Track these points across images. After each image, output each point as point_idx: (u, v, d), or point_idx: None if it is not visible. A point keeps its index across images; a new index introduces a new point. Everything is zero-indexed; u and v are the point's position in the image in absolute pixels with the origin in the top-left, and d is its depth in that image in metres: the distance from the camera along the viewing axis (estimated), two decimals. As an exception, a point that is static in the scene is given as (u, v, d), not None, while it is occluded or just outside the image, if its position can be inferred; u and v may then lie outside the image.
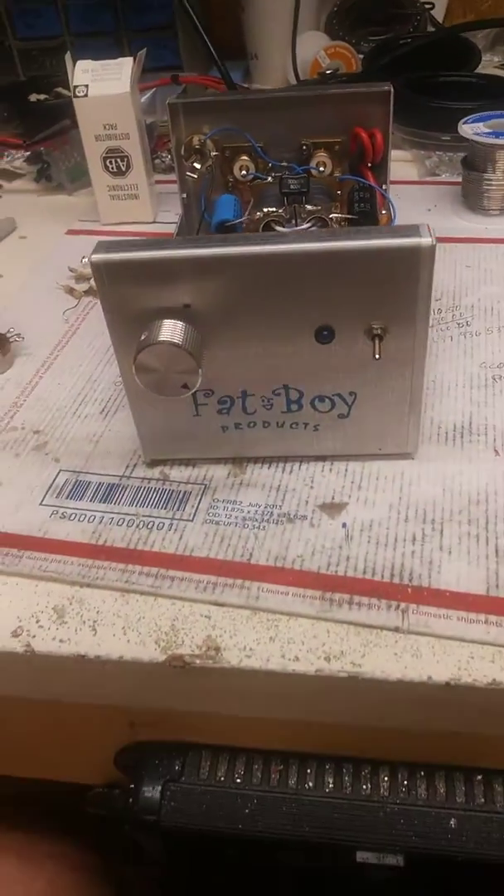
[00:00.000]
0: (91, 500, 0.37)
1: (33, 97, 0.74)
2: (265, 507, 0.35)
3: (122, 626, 0.32)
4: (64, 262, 0.55)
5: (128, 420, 0.41)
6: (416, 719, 0.30)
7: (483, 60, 0.74)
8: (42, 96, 0.74)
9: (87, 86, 0.53)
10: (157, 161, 0.67)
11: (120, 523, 0.35)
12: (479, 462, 0.36)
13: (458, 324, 0.44)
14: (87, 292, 0.52)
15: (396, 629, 0.30)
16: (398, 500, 0.35)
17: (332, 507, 0.35)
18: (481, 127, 0.51)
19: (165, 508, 0.36)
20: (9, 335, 0.46)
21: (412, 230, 0.29)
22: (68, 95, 0.72)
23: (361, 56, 0.77)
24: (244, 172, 0.48)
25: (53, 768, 0.41)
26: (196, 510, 0.36)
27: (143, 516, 0.36)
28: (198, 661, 0.30)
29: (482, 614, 0.30)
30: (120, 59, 0.54)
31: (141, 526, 0.35)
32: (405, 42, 0.70)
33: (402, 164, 0.64)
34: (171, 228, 0.58)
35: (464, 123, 0.52)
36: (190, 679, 0.31)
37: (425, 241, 0.29)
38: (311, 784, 0.32)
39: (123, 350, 0.33)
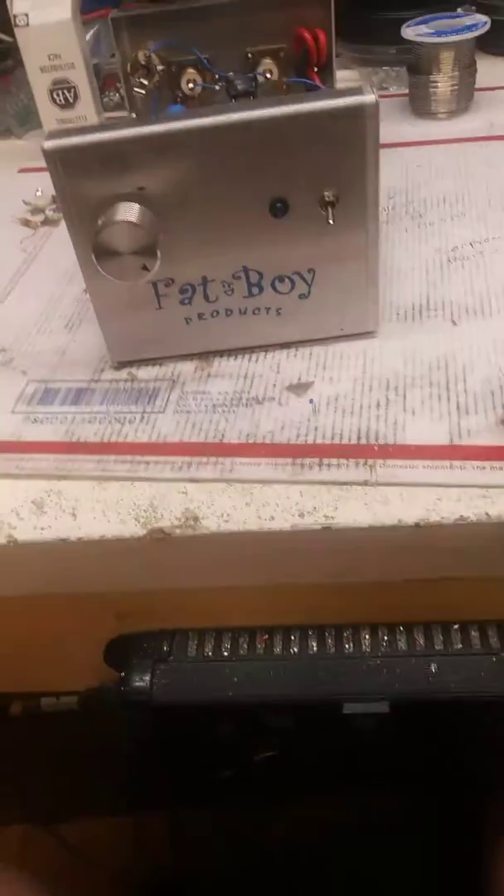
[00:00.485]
0: (62, 405, 0.37)
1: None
2: (234, 394, 0.36)
3: (101, 510, 0.32)
4: (17, 197, 0.54)
5: (94, 331, 0.41)
6: (390, 569, 0.31)
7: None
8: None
9: (27, 14, 0.53)
10: (105, 101, 0.66)
11: (91, 421, 0.36)
12: (438, 333, 0.37)
13: (412, 217, 0.45)
14: (45, 222, 0.52)
15: (365, 482, 0.31)
16: (362, 374, 0.36)
17: (299, 387, 0.36)
18: (424, 29, 0.51)
19: (136, 404, 0.36)
20: (-32, 263, 0.46)
21: (355, 90, 0.30)
22: (8, 40, 0.71)
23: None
24: (191, 86, 0.48)
25: (44, 680, 0.42)
26: (166, 403, 0.36)
27: (115, 413, 0.36)
28: (178, 531, 0.31)
29: (446, 461, 0.31)
30: (58, -14, 0.53)
31: (113, 422, 0.36)
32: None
33: (349, 84, 0.64)
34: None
35: (407, 27, 0.52)
36: (171, 551, 0.31)
37: (368, 98, 0.30)
38: (295, 650, 0.33)
39: (84, 243, 0.33)
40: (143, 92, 0.47)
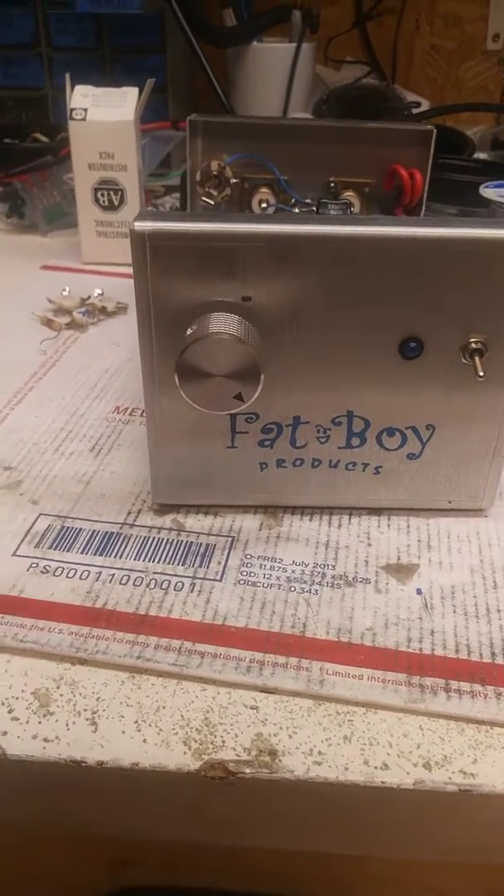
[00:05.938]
0: (83, 552, 0.28)
1: (7, 141, 0.69)
2: (314, 567, 0.28)
3: (133, 720, 0.22)
4: (39, 294, 0.48)
5: (127, 460, 0.33)
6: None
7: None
8: (15, 141, 0.70)
9: (85, 109, 0.49)
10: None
11: (124, 581, 0.27)
12: None
13: None
14: (69, 325, 0.45)
15: (519, 726, 0.22)
16: (479, 562, 0.28)
17: (401, 570, 0.28)
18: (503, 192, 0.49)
19: (184, 564, 0.28)
20: (-24, 358, 0.38)
21: (527, 223, 0.25)
22: (47, 142, 0.68)
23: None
24: (264, 205, 0.43)
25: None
26: (224, 567, 0.28)
27: (156, 573, 0.27)
28: (248, 771, 0.21)
29: None
30: (123, 88, 0.50)
31: (153, 585, 0.27)
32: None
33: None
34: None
35: (485, 188, 0.50)
36: (231, 796, 0.22)
37: (548, 233, 0.24)
38: None
39: (160, 354, 0.26)
40: (212, 203, 0.42)
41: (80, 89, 0.49)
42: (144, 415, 0.28)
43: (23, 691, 0.23)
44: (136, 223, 0.24)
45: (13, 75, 0.74)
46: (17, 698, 0.23)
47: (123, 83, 0.51)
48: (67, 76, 0.48)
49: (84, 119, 0.48)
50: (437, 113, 0.76)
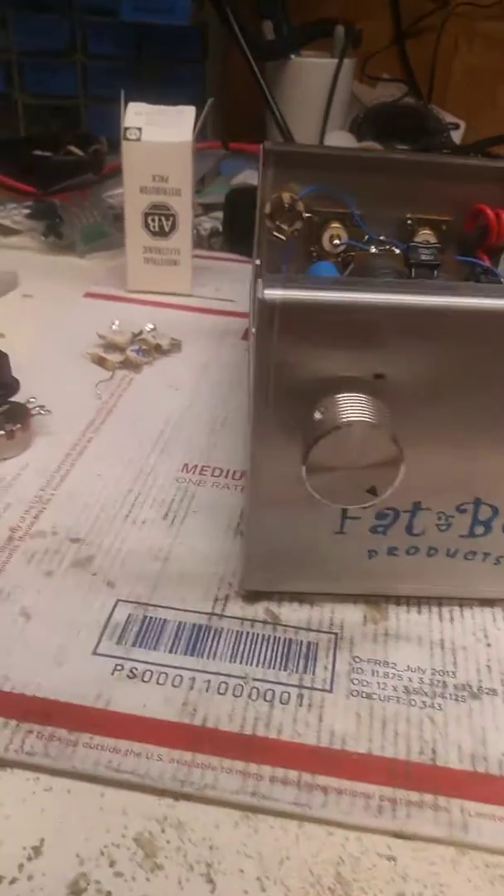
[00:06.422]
0: (171, 651, 0.25)
1: (38, 153, 0.66)
2: (433, 674, 0.25)
3: (255, 875, 0.19)
4: (85, 327, 0.44)
5: (203, 531, 0.30)
6: None
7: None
8: (47, 153, 0.66)
9: (139, 129, 0.45)
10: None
11: (222, 690, 0.24)
12: None
13: None
14: (123, 364, 0.41)
15: None
16: None
17: (531, 679, 0.25)
18: None
19: (286, 669, 0.24)
20: (30, 405, 0.35)
21: None
22: (82, 155, 0.64)
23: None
24: (336, 241, 0.40)
25: None
26: (332, 674, 0.24)
27: (256, 680, 0.24)
28: None
29: None
30: (180, 107, 0.47)
31: (255, 696, 0.23)
32: (447, 152, 0.67)
33: None
34: (211, 304, 0.50)
35: None
36: None
37: None
38: None
39: (275, 430, 0.23)
40: (283, 238, 0.39)
41: (134, 107, 0.46)
42: (242, 481, 0.25)
43: (123, 836, 0.20)
44: (267, 291, 0.20)
45: (45, 82, 0.70)
46: (117, 846, 0.20)
47: (159, 95, 0.47)
48: (122, 94, 0.45)
49: (138, 139, 0.45)
50: (493, 142, 0.73)
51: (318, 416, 0.21)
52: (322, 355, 0.21)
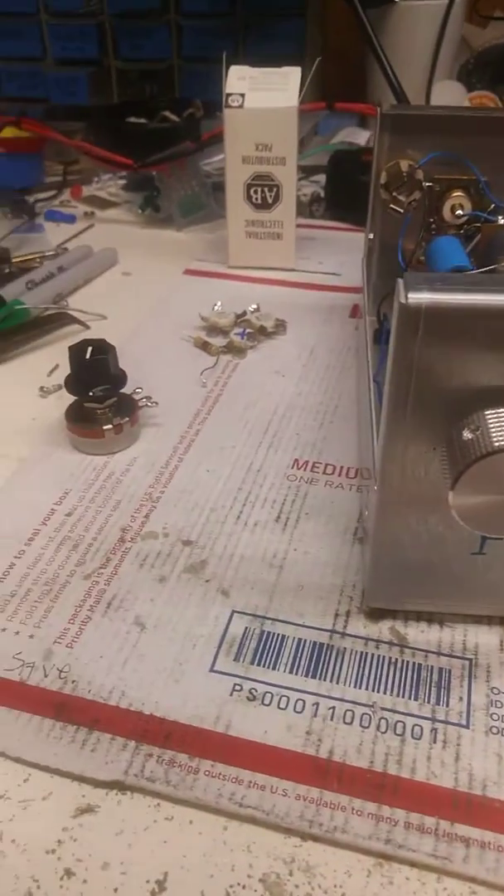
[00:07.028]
0: (292, 671, 0.23)
1: (132, 120, 0.64)
2: None
3: (392, 934, 0.18)
4: (186, 308, 0.43)
5: (319, 535, 0.28)
6: None
7: None
8: (141, 120, 0.64)
9: (242, 95, 0.43)
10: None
11: (348, 719, 0.22)
12: None
13: None
14: (227, 349, 0.40)
15: None
16: None
17: None
18: None
19: (417, 699, 0.23)
20: (137, 396, 0.34)
21: None
22: (178, 121, 0.62)
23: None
24: (458, 213, 0.37)
25: None
26: (468, 706, 0.22)
27: (384, 710, 0.22)
28: None
29: None
30: (285, 69, 0.43)
31: (384, 728, 0.22)
32: None
33: None
34: (315, 279, 0.47)
35: None
36: None
37: None
38: None
39: (409, 442, 0.20)
40: (402, 211, 0.36)
41: (236, 71, 0.43)
42: (357, 480, 0.23)
43: (249, 876, 0.19)
44: (411, 294, 0.18)
45: (139, 46, 0.68)
46: (243, 886, 0.19)
47: (257, 52, 0.44)
48: (224, 55, 0.42)
49: (241, 106, 0.42)
50: None
51: (467, 435, 0.19)
52: (474, 365, 0.19)
